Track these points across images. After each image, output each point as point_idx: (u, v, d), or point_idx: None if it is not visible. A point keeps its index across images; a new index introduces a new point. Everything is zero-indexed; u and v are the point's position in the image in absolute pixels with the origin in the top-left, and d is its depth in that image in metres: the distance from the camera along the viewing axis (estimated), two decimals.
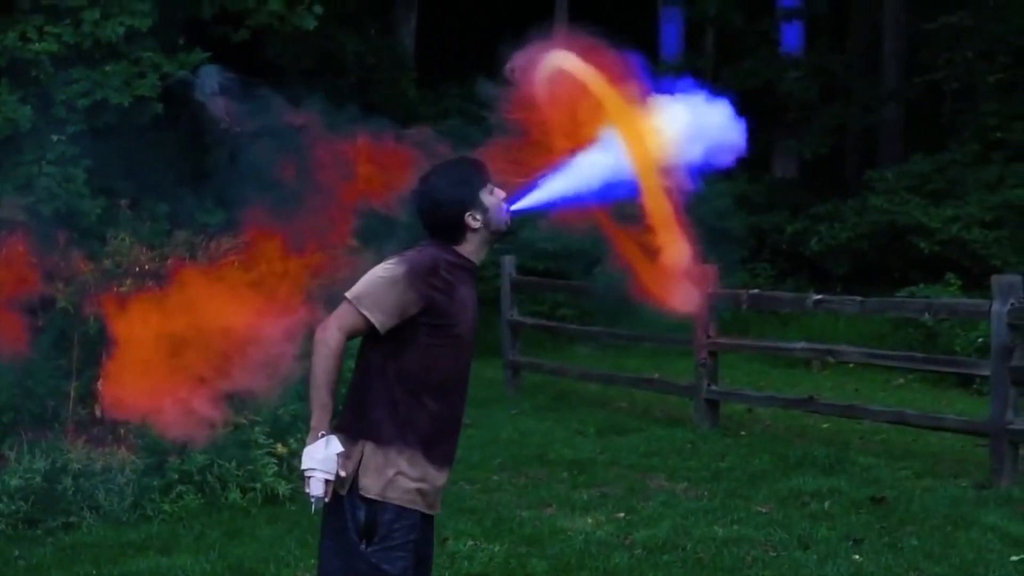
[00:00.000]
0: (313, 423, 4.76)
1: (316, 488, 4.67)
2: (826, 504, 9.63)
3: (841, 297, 12.67)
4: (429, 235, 5.00)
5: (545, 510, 9.68)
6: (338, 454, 4.69)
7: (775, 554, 8.37)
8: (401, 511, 4.81)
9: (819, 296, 12.42)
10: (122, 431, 10.55)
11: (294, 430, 10.43)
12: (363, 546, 4.76)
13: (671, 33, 25.45)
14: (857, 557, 8.25)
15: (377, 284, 4.78)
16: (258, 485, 9.97)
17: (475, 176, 4.94)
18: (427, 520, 4.97)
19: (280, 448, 10.26)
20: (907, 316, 13.71)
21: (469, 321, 4.95)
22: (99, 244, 12.13)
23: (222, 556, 8.49)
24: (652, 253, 5.20)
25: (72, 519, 9.38)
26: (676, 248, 5.12)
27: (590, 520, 9.34)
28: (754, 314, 17.94)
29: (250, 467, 10.07)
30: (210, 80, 5.09)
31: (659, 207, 5.10)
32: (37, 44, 13.31)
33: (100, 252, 11.68)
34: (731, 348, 13.81)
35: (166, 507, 9.63)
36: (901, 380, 15.47)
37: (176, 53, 14.03)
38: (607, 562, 8.19)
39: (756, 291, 13.55)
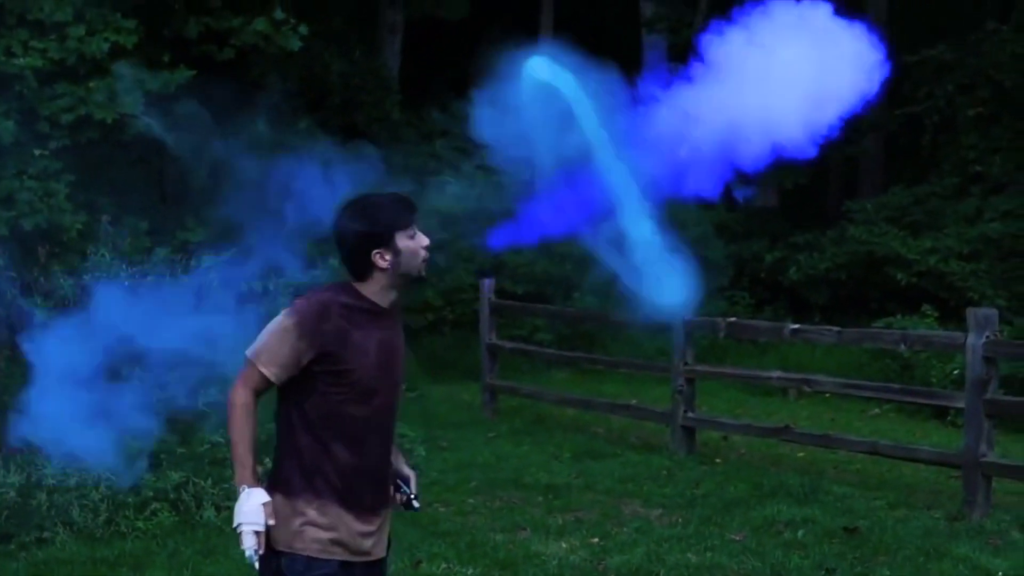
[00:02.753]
0: (235, 480, 4.74)
1: (247, 541, 4.63)
2: (799, 533, 9.66)
3: (819, 327, 12.71)
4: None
5: (519, 534, 9.70)
6: (263, 504, 4.65)
7: None
8: (311, 561, 4.70)
9: (796, 326, 12.49)
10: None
11: (270, 449, 10.40)
12: None
13: (655, 58, 25.54)
14: None
15: (271, 338, 4.69)
16: (232, 504, 9.95)
17: (394, 214, 4.76)
18: (355, 567, 4.84)
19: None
20: (883, 347, 13.74)
21: (371, 366, 4.76)
22: (80, 259, 12.15)
23: (196, 574, 8.49)
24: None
25: (46, 534, 9.38)
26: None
27: (564, 545, 9.36)
28: (732, 342, 17.99)
29: (226, 485, 10.05)
30: None
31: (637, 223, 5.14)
32: (22, 59, 13.34)
33: (80, 267, 11.70)
34: (708, 376, 13.85)
35: (140, 524, 9.64)
36: (877, 410, 15.51)
37: (160, 71, 14.06)
38: None
39: (734, 319, 13.58)
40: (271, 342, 4.68)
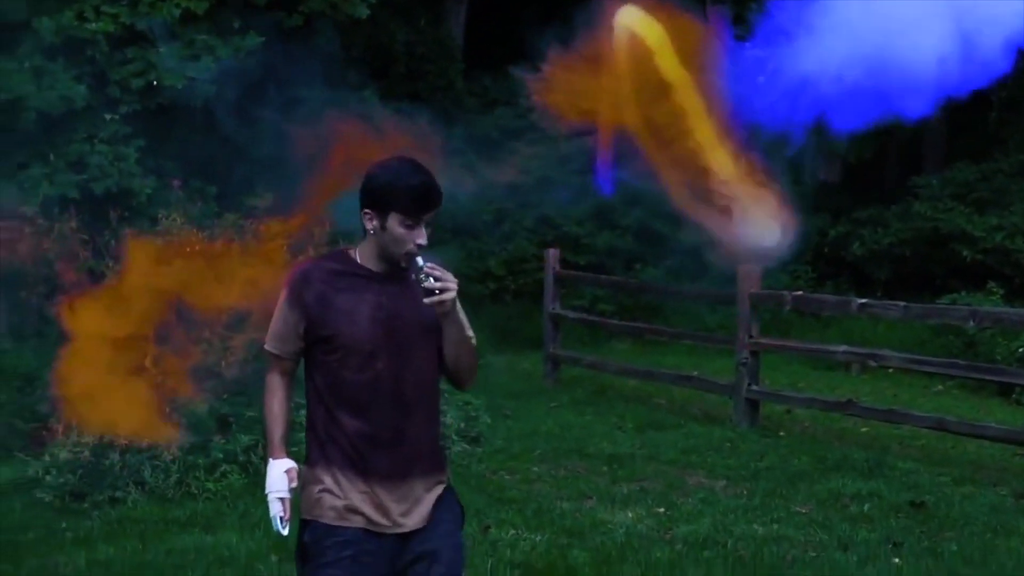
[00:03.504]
0: (268, 453, 4.87)
1: (273, 508, 4.73)
2: (865, 507, 9.66)
3: (885, 302, 12.68)
4: None
5: (585, 502, 9.75)
6: (286, 471, 4.75)
7: (815, 554, 8.41)
8: (329, 529, 4.66)
9: (863, 300, 12.45)
10: (167, 409, 10.67)
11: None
12: (300, 564, 4.75)
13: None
14: (897, 561, 8.29)
15: (274, 315, 4.83)
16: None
17: (399, 194, 4.58)
18: (386, 537, 4.72)
19: None
20: (950, 323, 13.68)
21: (361, 330, 4.67)
22: (150, 223, 12.26)
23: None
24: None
25: (118, 494, 9.50)
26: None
27: (630, 514, 9.40)
28: (795, 316, 17.97)
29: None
30: None
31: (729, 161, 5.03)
32: (94, 23, 13.44)
33: (151, 231, 11.82)
34: (773, 349, 13.82)
35: (210, 485, 9.74)
36: (940, 387, 15.47)
37: (231, 37, 14.14)
38: (648, 556, 8.25)
39: (800, 293, 13.57)
40: (273, 320, 4.82)
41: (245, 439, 10.08)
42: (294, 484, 4.73)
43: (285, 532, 4.69)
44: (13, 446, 10.60)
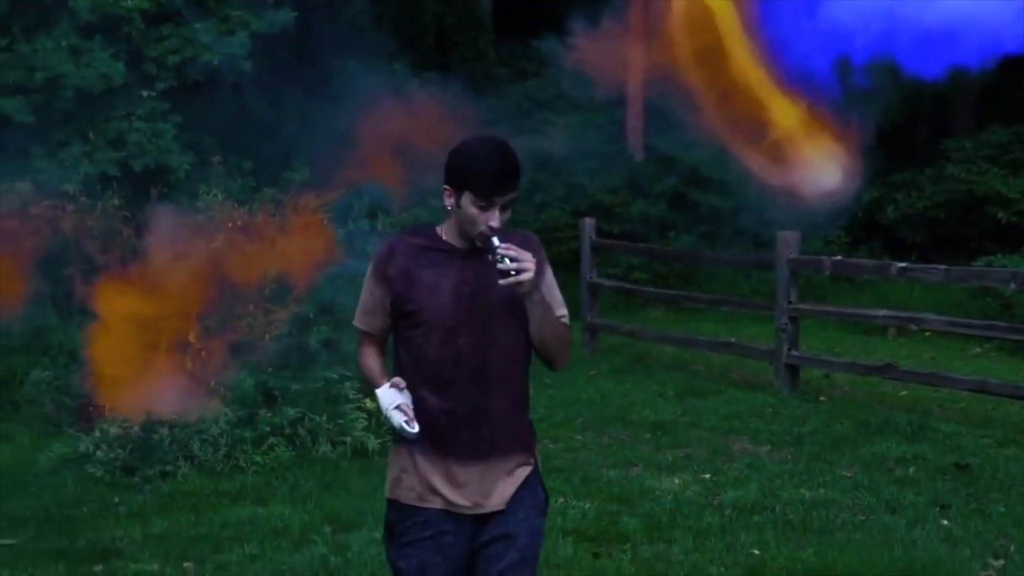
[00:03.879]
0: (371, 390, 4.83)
1: (394, 419, 4.57)
2: (910, 470, 9.69)
3: (925, 266, 12.62)
4: None
5: (631, 470, 9.80)
6: (389, 386, 4.62)
7: (864, 518, 8.45)
8: (408, 509, 4.67)
9: (903, 264, 12.45)
10: (212, 383, 10.77)
11: None
12: (386, 542, 4.77)
13: None
14: (946, 522, 8.33)
15: (362, 291, 4.78)
16: (348, 439, 10.16)
17: (474, 174, 4.51)
18: (464, 518, 4.66)
19: (369, 403, 10.40)
20: (990, 285, 13.68)
21: (444, 305, 4.61)
22: (188, 199, 12.33)
23: (318, 507, 8.67)
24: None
25: (168, 468, 9.61)
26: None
27: (677, 480, 9.45)
28: (829, 281, 17.99)
29: (340, 421, 10.25)
30: None
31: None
32: (129, 1, 13.49)
33: (191, 207, 11.90)
34: (813, 314, 13.84)
35: (258, 459, 9.83)
36: (978, 349, 15.45)
37: (265, 11, 14.19)
38: (699, 521, 8.31)
39: (839, 258, 13.60)
40: (361, 295, 4.76)
41: (291, 412, 10.16)
42: (403, 387, 4.59)
43: (415, 429, 4.54)
44: (62, 422, 10.72)
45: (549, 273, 4.79)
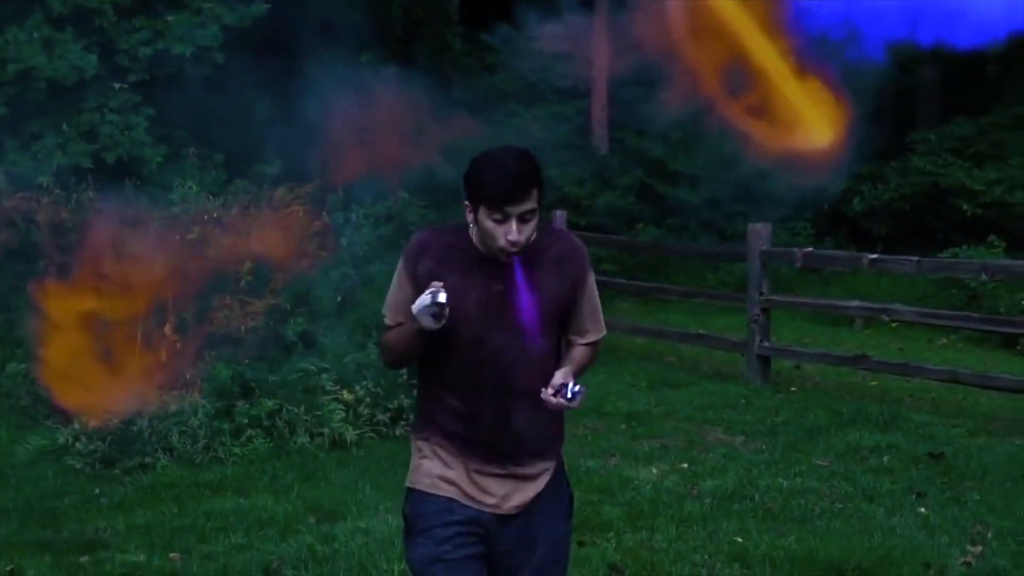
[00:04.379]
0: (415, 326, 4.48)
1: (424, 300, 4.31)
2: (885, 459, 9.80)
3: (897, 257, 12.76)
4: None
5: (609, 460, 9.87)
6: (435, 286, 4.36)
7: (842, 506, 8.55)
8: (424, 496, 4.54)
9: (874, 255, 12.57)
10: (188, 375, 10.78)
11: (360, 377, 10.63)
12: (404, 537, 4.64)
13: None
14: (922, 510, 8.44)
15: (391, 285, 4.64)
16: (326, 431, 10.18)
17: (483, 188, 4.35)
18: (481, 515, 4.52)
19: (346, 395, 10.45)
20: (959, 277, 13.82)
21: (470, 312, 4.43)
22: (160, 191, 12.33)
23: (300, 497, 8.70)
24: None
25: (147, 460, 9.60)
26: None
27: (655, 470, 9.52)
28: (795, 272, 18.12)
29: (318, 413, 10.27)
30: None
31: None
32: None
33: (164, 199, 11.90)
34: (784, 306, 13.96)
35: (237, 450, 9.84)
36: (944, 340, 15.63)
37: (237, 4, 14.18)
38: (680, 510, 8.38)
39: (810, 249, 13.70)
40: (391, 290, 4.61)
41: (269, 404, 10.18)
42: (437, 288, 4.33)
43: (443, 297, 4.28)
44: (39, 414, 10.69)
45: (591, 283, 4.63)
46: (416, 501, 4.57)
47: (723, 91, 5.23)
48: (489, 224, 4.33)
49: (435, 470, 4.54)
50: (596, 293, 4.66)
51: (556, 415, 4.54)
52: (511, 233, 4.31)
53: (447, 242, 4.51)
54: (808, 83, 5.23)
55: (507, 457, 4.52)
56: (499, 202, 4.29)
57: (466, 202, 4.43)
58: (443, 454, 4.54)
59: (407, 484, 4.63)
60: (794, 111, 5.16)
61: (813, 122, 5.25)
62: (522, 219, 4.34)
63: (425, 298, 4.28)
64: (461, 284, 4.41)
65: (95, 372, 10.27)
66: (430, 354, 4.53)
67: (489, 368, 4.45)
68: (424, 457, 4.59)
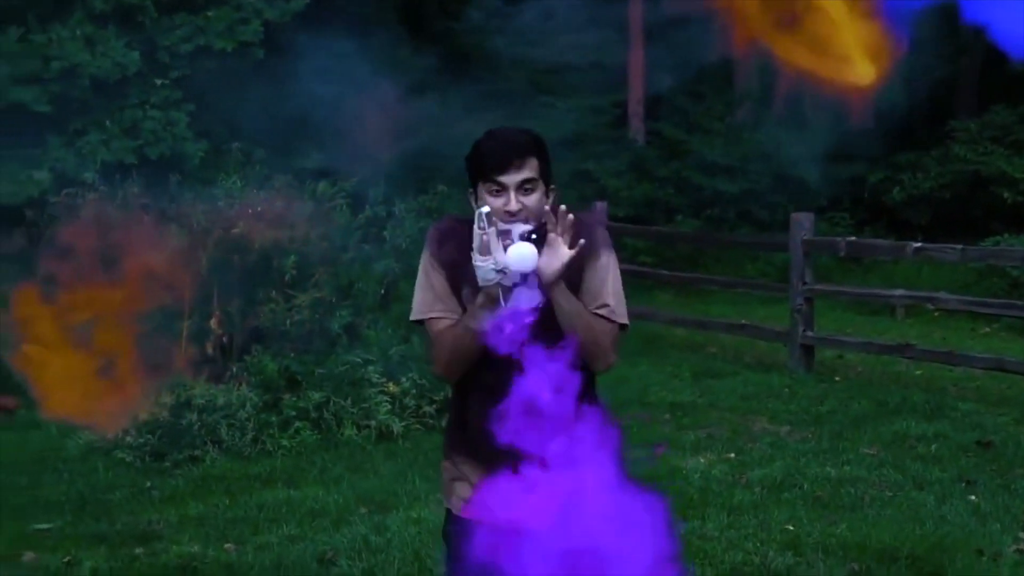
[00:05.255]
0: (480, 308, 4.17)
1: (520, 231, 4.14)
2: (933, 447, 9.78)
3: (941, 245, 12.70)
4: None
5: (656, 449, 9.86)
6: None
7: (892, 494, 8.53)
8: (456, 518, 4.37)
9: (918, 244, 12.54)
10: (234, 368, 10.85)
11: (405, 369, 10.67)
12: (443, 554, 4.55)
13: None
14: (973, 498, 8.42)
15: (417, 285, 4.40)
16: (372, 423, 10.22)
17: (478, 160, 4.21)
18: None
19: (392, 387, 10.49)
20: (1001, 265, 13.77)
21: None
22: (202, 187, 12.39)
23: (351, 488, 8.74)
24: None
25: (197, 452, 9.66)
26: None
27: (702, 460, 9.53)
28: (835, 262, 18.10)
29: (364, 405, 10.31)
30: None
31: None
32: None
33: (206, 194, 11.95)
34: (828, 295, 13.93)
35: (285, 442, 9.89)
36: (987, 328, 15.56)
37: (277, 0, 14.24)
38: (730, 499, 8.39)
39: (853, 239, 13.66)
40: (417, 292, 4.35)
41: (316, 396, 10.23)
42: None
43: (486, 210, 4.03)
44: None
45: (604, 260, 4.32)
46: (452, 522, 4.43)
47: (769, 24, 5.11)
48: (490, 199, 4.13)
49: (466, 491, 4.35)
50: (612, 276, 4.34)
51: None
52: (509, 204, 4.11)
53: (469, 231, 4.14)
54: (856, 17, 5.13)
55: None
56: (494, 171, 4.12)
57: (470, 190, 4.27)
58: (468, 470, 4.34)
59: (447, 504, 4.47)
60: (842, 44, 5.06)
61: (859, 59, 5.15)
62: (521, 190, 4.14)
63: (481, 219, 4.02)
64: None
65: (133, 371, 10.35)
66: None
67: (513, 365, 4.06)
68: (455, 478, 4.41)
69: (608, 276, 4.33)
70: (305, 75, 14.35)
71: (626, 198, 20.27)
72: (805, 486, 8.73)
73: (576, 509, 4.07)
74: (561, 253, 4.07)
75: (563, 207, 4.10)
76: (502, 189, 4.13)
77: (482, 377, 4.23)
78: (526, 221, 4.15)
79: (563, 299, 4.16)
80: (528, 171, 4.14)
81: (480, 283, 4.06)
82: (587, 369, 4.26)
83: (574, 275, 4.22)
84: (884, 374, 12.83)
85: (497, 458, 4.10)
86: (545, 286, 4.11)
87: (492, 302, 4.10)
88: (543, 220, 4.11)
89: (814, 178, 19.82)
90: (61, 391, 6.31)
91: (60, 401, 6.32)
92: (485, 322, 4.08)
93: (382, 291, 11.86)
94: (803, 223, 12.94)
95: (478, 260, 4.03)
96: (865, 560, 7.23)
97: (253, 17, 13.90)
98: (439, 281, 4.30)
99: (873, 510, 8.18)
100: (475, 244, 4.02)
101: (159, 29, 13.83)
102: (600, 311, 4.29)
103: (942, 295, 12.60)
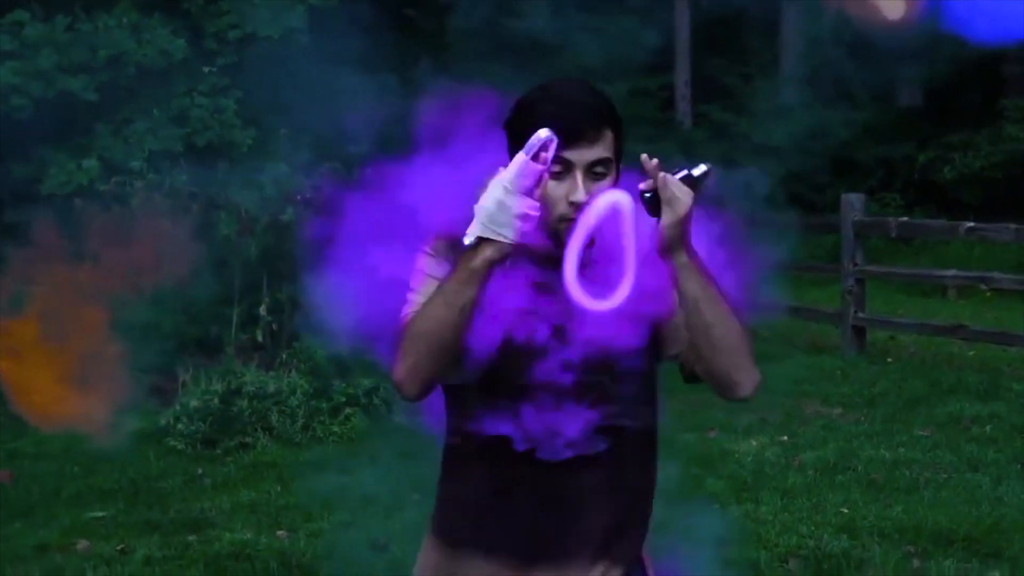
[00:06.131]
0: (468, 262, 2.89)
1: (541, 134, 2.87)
2: (987, 428, 9.69)
3: (996, 224, 12.58)
4: None
5: (708, 433, 9.82)
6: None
7: (947, 476, 8.46)
8: None
9: (971, 224, 12.43)
10: (284, 355, 10.85)
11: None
12: None
13: None
14: None
15: (413, 290, 3.11)
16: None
17: (529, 120, 2.93)
18: None
19: None
20: None
21: (512, 334, 2.99)
22: (251, 174, 12.40)
23: (402, 474, 8.71)
24: None
25: (247, 439, 9.68)
26: None
27: (755, 443, 9.47)
28: (885, 242, 17.96)
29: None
30: None
31: None
32: None
33: (255, 182, 11.97)
34: (879, 276, 13.82)
35: (336, 428, 9.90)
36: None
37: None
38: (783, 482, 8.33)
39: (905, 219, 13.57)
40: (414, 297, 3.03)
41: (366, 382, 10.22)
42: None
43: (544, 133, 2.84)
44: (137, 396, 10.78)
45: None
46: None
47: None
48: (547, 185, 2.92)
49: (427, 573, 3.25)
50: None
51: (639, 491, 3.18)
52: (576, 192, 2.91)
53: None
54: None
55: (557, 557, 3.08)
56: (561, 143, 2.88)
57: (508, 152, 2.99)
58: (463, 561, 3.15)
59: None
60: None
61: None
62: (591, 172, 2.95)
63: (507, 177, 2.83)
64: (498, 294, 2.96)
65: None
66: (453, 402, 3.18)
67: (532, 424, 3.03)
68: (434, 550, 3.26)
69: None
70: (352, 59, 14.36)
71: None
72: (859, 468, 8.67)
73: None
74: (680, 207, 2.89)
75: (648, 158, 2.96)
76: (566, 169, 2.92)
77: (483, 437, 3.07)
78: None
79: (692, 277, 2.96)
80: (602, 149, 2.96)
81: (482, 229, 2.82)
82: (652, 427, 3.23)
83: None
84: (937, 355, 12.73)
85: (506, 548, 3.10)
86: (669, 250, 2.93)
87: (497, 259, 2.87)
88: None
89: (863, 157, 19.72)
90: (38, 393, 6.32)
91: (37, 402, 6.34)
92: (480, 289, 2.89)
93: None
94: (854, 203, 12.85)
95: (499, 194, 2.80)
96: (921, 543, 7.16)
97: (298, 2, 13.86)
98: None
99: (928, 492, 8.10)
100: (507, 176, 2.82)
101: (205, 16, 13.81)
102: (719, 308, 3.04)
103: (995, 275, 12.49)
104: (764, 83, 22.11)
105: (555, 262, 2.93)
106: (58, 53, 12.54)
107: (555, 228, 2.94)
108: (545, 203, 2.88)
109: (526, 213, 2.81)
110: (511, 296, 2.97)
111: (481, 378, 3.00)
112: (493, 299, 2.93)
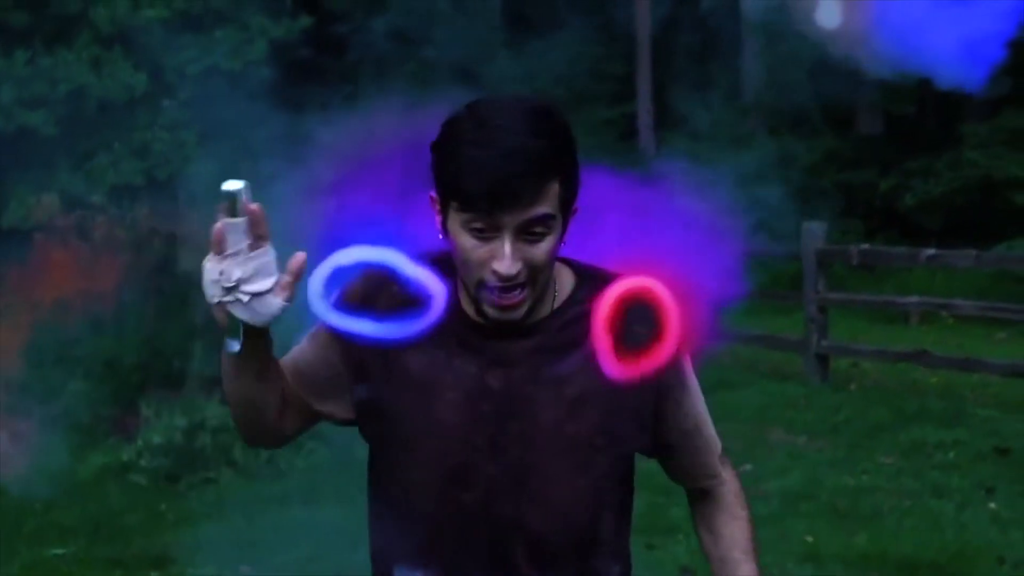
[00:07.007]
0: None
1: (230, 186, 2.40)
2: (951, 455, 9.71)
3: (956, 251, 12.65)
4: None
5: None
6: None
7: (911, 503, 8.48)
8: None
9: (932, 250, 12.48)
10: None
11: None
12: None
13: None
14: (993, 505, 8.36)
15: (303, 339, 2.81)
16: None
17: (455, 169, 2.39)
18: None
19: None
20: (1021, 269, 13.69)
21: (442, 427, 2.57)
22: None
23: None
24: None
25: (210, 474, 9.63)
26: None
27: None
28: (847, 270, 18.02)
29: None
30: None
31: None
32: (149, 10, 13.53)
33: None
34: (842, 303, 13.86)
35: (299, 463, 9.84)
36: (1003, 335, 15.47)
37: (283, 18, 14.22)
38: None
39: (867, 246, 13.63)
40: (296, 347, 2.73)
41: None
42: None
43: (233, 186, 2.40)
44: (99, 432, 10.74)
45: (694, 383, 2.87)
46: None
47: None
48: (465, 239, 2.40)
49: None
50: (700, 394, 2.87)
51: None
52: (501, 260, 2.37)
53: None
54: None
55: None
56: (488, 203, 2.34)
57: (431, 193, 2.50)
58: None
59: None
60: None
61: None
62: (526, 233, 2.39)
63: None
64: (433, 371, 2.56)
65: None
66: (379, 494, 2.78)
67: (478, 528, 2.59)
68: None
69: (697, 401, 2.87)
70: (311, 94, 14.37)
71: None
72: (823, 496, 8.68)
73: None
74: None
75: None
76: (492, 229, 2.37)
77: (417, 539, 2.66)
78: (533, 298, 2.48)
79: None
80: (542, 207, 2.38)
81: (207, 296, 2.35)
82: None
83: (643, 408, 2.70)
84: (900, 382, 12.76)
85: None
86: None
87: (227, 326, 2.39)
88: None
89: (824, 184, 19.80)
90: None
91: None
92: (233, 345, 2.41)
93: None
94: (815, 231, 12.89)
95: (210, 261, 2.35)
96: (885, 571, 7.19)
97: (259, 36, 13.87)
98: (319, 358, 2.68)
99: (893, 520, 8.13)
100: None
101: (166, 50, 13.82)
102: (719, 470, 2.92)
103: (957, 301, 12.56)
104: (725, 111, 22.20)
105: (507, 337, 2.51)
106: (18, 87, 12.51)
107: (472, 292, 2.45)
108: (466, 263, 2.41)
109: (216, 277, 2.30)
110: (457, 377, 2.55)
111: (423, 460, 2.61)
112: (437, 379, 2.54)
